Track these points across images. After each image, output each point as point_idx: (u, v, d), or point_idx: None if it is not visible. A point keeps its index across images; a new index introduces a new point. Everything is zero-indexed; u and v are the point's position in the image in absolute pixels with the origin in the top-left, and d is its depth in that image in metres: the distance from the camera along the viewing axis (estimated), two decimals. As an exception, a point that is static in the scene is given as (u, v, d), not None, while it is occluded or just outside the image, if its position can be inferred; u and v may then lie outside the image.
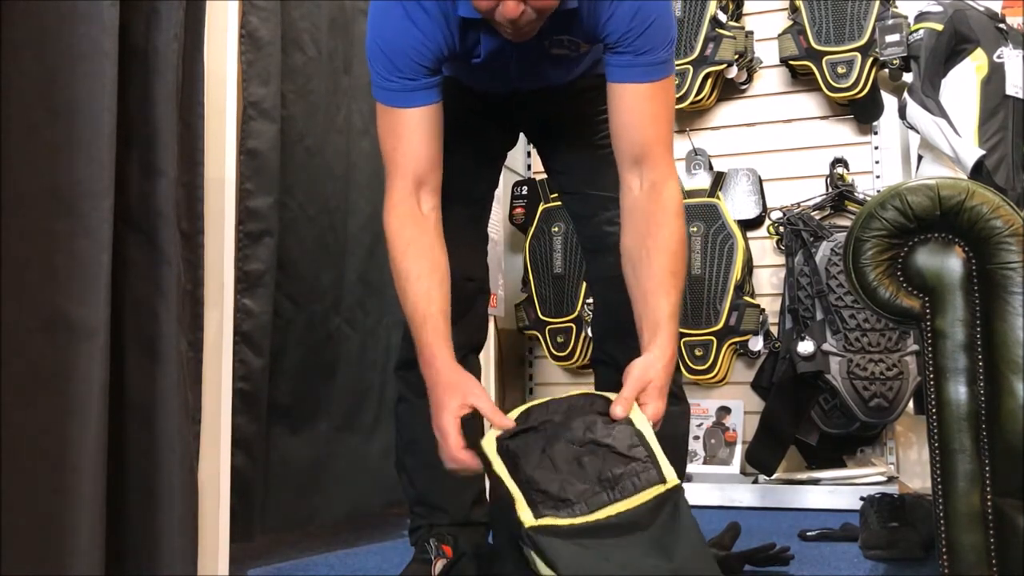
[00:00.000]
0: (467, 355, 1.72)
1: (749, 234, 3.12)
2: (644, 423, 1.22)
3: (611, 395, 1.25)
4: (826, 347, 2.74)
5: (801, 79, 3.22)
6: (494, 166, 1.81)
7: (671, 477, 1.17)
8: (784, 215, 2.99)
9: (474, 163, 1.69)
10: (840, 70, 2.99)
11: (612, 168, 1.49)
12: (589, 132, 1.66)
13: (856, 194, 3.02)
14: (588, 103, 1.64)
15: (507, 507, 1.15)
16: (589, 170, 1.66)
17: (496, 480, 1.19)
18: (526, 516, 1.12)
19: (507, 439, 1.21)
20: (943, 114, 2.75)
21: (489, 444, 1.21)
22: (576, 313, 3.19)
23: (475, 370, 1.75)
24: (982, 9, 2.91)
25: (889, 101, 3.06)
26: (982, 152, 2.70)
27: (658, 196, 1.43)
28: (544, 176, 3.23)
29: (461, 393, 1.30)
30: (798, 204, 3.02)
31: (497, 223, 3.11)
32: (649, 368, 1.27)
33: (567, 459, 1.18)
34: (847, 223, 2.88)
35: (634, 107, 1.44)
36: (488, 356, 2.63)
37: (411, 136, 1.44)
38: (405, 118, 1.44)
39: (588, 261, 1.79)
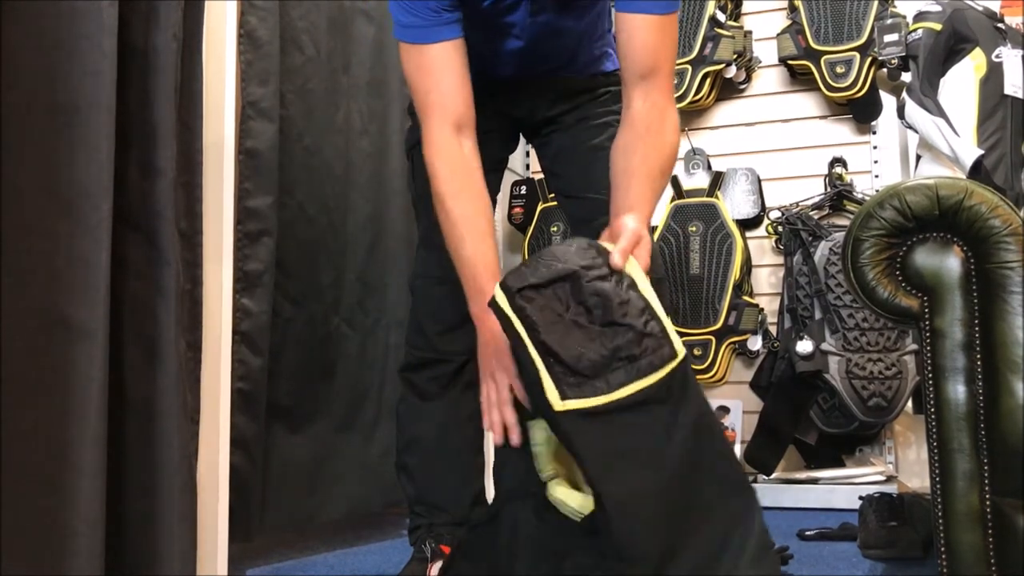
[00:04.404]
0: (470, 359, 1.71)
1: (748, 234, 3.12)
2: (643, 279, 1.22)
3: (608, 245, 1.24)
4: (825, 346, 2.74)
5: (800, 79, 3.22)
6: (497, 170, 1.80)
7: (680, 349, 1.19)
8: (783, 215, 2.99)
9: None
10: (839, 70, 2.99)
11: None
12: (588, 135, 1.66)
13: (855, 194, 3.02)
14: (587, 105, 1.63)
15: (532, 385, 1.15)
16: (588, 173, 1.65)
17: (517, 343, 1.16)
18: (554, 398, 1.12)
19: (517, 292, 1.17)
20: (942, 114, 2.75)
21: (502, 300, 1.18)
22: (575, 313, 3.18)
23: (477, 372, 1.74)
24: (981, 9, 2.91)
25: (888, 101, 3.06)
26: (981, 152, 2.69)
27: (660, 113, 1.45)
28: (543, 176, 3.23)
29: None
30: (797, 204, 3.02)
31: (496, 223, 3.11)
32: (640, 225, 1.28)
33: (582, 327, 1.16)
34: (846, 223, 2.87)
35: (643, 35, 1.46)
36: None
37: (443, 74, 1.46)
38: (433, 54, 1.46)
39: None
